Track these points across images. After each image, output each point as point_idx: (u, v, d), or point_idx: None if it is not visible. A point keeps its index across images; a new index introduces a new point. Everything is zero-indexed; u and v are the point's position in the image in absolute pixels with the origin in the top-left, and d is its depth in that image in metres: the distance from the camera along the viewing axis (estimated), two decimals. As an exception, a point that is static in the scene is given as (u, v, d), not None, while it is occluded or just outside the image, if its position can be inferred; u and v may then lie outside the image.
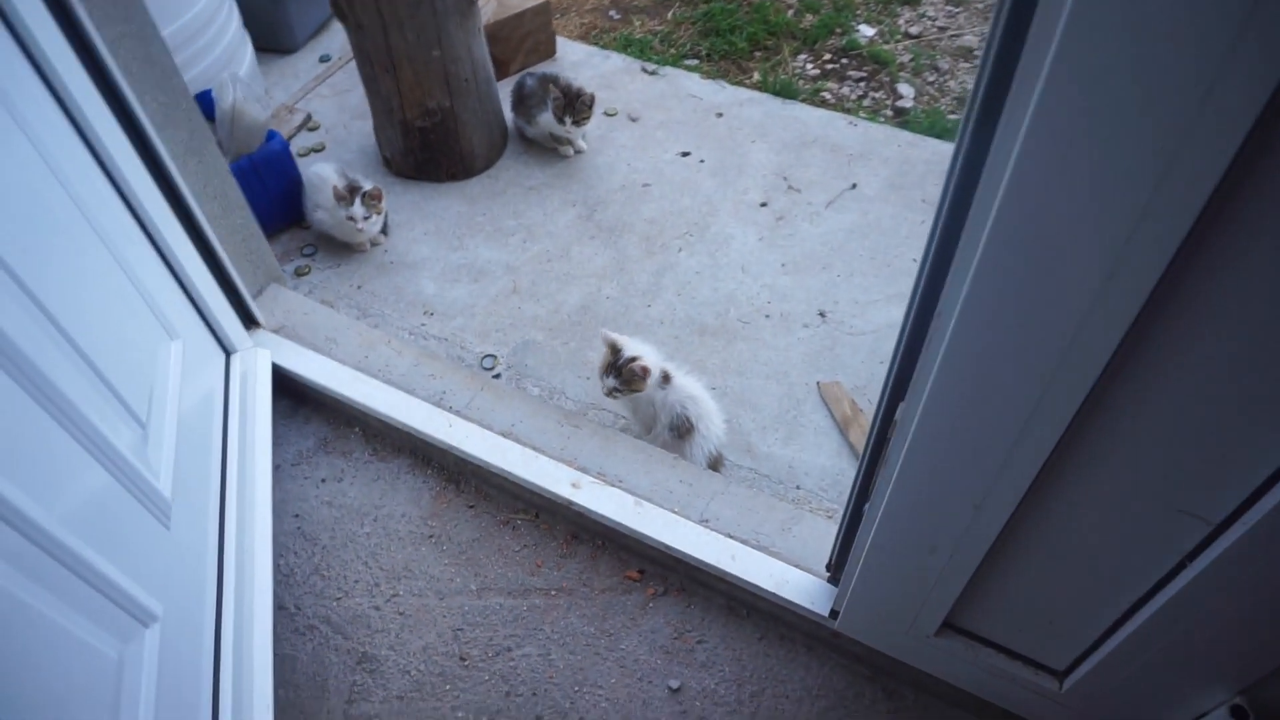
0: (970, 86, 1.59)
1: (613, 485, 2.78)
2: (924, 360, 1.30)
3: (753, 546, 2.53)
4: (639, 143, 4.46)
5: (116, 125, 2.31)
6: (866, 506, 1.71)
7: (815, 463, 3.18)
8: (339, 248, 4.09)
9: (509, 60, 4.71)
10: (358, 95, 4.52)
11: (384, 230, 4.16)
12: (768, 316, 3.74)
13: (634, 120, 4.67)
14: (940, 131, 4.34)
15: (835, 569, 2.30)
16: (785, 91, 4.69)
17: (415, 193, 4.33)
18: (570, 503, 2.72)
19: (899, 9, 5.32)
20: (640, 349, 2.94)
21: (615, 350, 2.84)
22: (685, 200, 4.19)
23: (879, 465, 1.73)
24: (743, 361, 3.39)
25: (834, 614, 2.09)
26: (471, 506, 2.95)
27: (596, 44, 5.09)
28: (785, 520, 2.61)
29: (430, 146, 4.24)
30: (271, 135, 4.00)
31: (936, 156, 4.12)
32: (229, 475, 2.66)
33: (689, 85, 4.78)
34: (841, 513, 1.91)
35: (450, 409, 3.03)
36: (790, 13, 5.16)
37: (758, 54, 4.93)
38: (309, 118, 4.71)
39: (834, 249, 4.03)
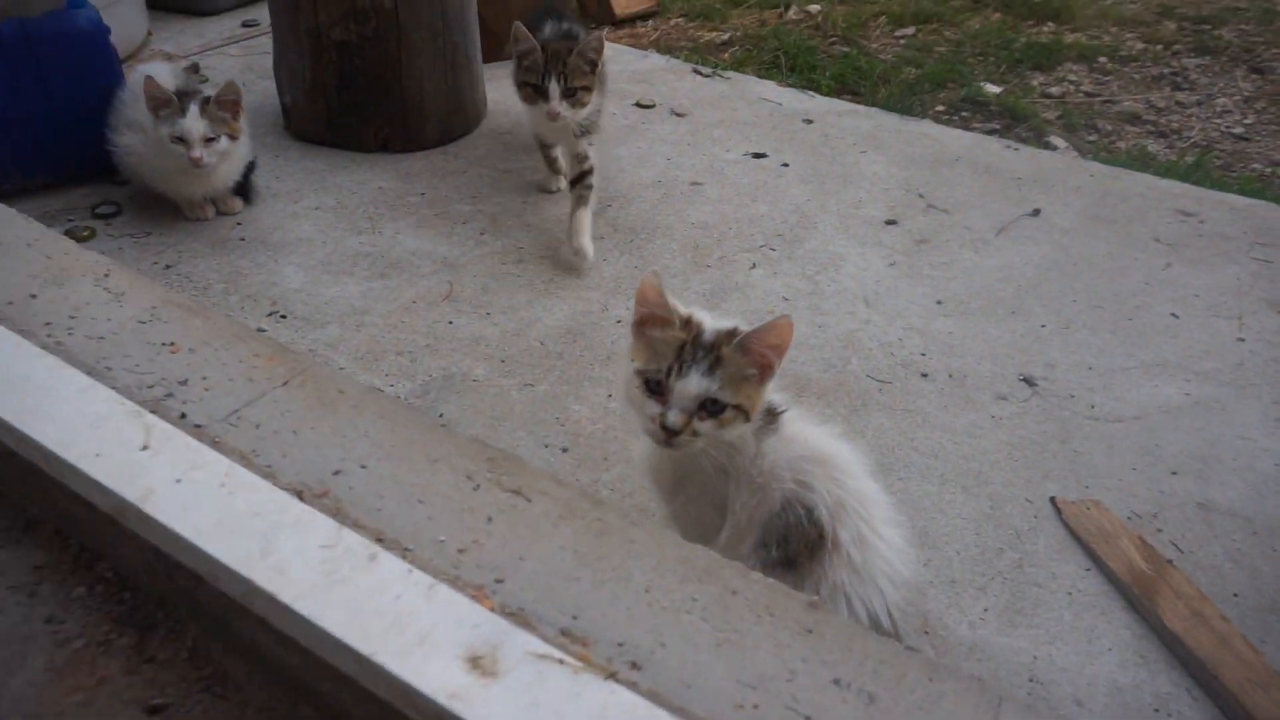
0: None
1: (619, 680, 0.81)
2: None
3: None
4: (687, 138, 2.98)
5: None
6: None
7: (1084, 672, 1.36)
8: (160, 210, 2.34)
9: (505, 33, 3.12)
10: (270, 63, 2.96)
11: (243, 193, 2.36)
12: (925, 375, 1.96)
13: (679, 115, 3.11)
14: (1163, 170, 2.92)
15: None
16: (901, 108, 3.25)
17: (320, 160, 2.65)
18: None
19: (1027, 72, 4.05)
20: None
21: (690, 326, 1.26)
22: (760, 206, 2.61)
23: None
24: (888, 446, 1.94)
25: None
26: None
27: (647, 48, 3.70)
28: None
29: (352, 81, 2.57)
30: (78, 3, 2.29)
31: (1156, 192, 2.85)
32: None
33: (760, 89, 3.34)
34: None
35: (186, 422, 1.10)
36: (885, 63, 3.89)
37: (845, 95, 3.56)
38: (196, 68, 3.08)
39: (1023, 288, 2.36)
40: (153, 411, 1.18)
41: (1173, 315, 2.28)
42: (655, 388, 1.23)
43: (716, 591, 1.04)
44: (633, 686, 0.90)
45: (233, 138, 2.27)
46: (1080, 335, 2.22)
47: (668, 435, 1.21)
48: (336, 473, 1.14)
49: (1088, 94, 4.04)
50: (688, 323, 1.26)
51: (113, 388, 1.21)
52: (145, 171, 2.36)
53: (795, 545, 1.22)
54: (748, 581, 1.05)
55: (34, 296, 1.42)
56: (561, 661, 0.91)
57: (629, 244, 2.45)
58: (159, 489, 1.06)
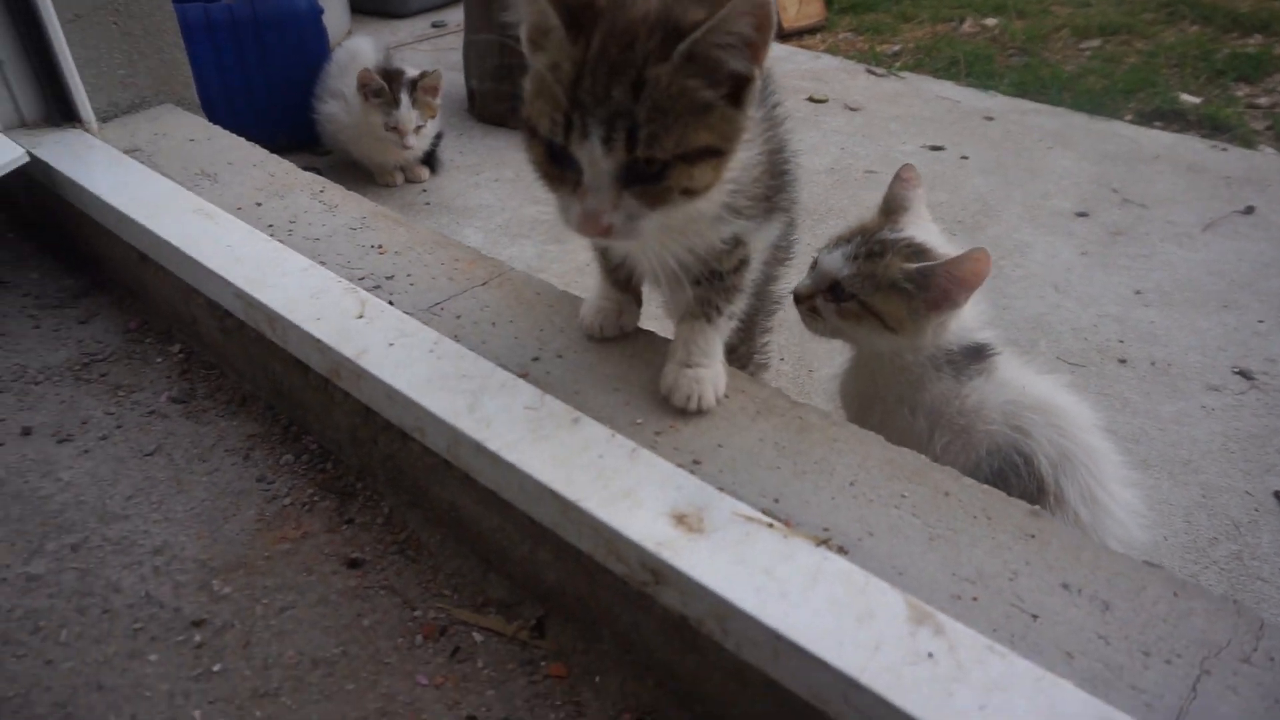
0: None
1: (830, 548, 0.77)
2: None
3: None
4: (861, 130, 2.94)
5: None
6: None
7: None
8: (354, 177, 2.50)
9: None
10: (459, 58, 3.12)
11: (430, 163, 2.48)
12: (1124, 362, 1.81)
13: (853, 109, 3.05)
14: None
15: None
16: (1090, 109, 3.07)
17: (502, 139, 2.75)
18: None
19: (1231, 83, 3.75)
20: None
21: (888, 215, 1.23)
22: (939, 195, 2.51)
23: None
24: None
25: None
26: (387, 588, 0.97)
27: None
28: None
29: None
30: None
31: None
32: None
33: (937, 88, 3.24)
34: None
35: (394, 308, 1.14)
36: (1069, 73, 3.71)
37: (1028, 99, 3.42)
38: (389, 55, 3.28)
39: (1236, 283, 2.14)
40: (367, 290, 1.23)
41: None
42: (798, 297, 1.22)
43: (927, 492, 0.97)
44: (844, 556, 0.85)
45: (433, 117, 2.40)
46: (1306, 332, 2.01)
47: (798, 303, 1.24)
48: (535, 359, 1.15)
49: (1301, 103, 3.72)
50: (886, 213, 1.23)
51: (330, 270, 1.27)
52: (344, 138, 2.52)
53: (1015, 494, 1.12)
54: (961, 485, 0.98)
55: (259, 204, 1.52)
56: (771, 525, 0.87)
57: (801, 224, 2.41)
58: (373, 349, 1.09)
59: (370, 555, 1.11)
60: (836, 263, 1.16)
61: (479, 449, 0.96)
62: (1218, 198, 2.56)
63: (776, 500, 0.94)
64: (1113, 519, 1.11)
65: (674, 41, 0.76)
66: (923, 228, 1.21)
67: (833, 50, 4.03)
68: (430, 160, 2.61)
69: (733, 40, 0.77)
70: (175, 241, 1.30)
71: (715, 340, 1.07)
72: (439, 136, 2.61)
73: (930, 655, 0.75)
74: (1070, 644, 0.81)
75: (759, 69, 0.81)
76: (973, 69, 3.74)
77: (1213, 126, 3.45)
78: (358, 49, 2.52)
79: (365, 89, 2.31)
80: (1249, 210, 2.49)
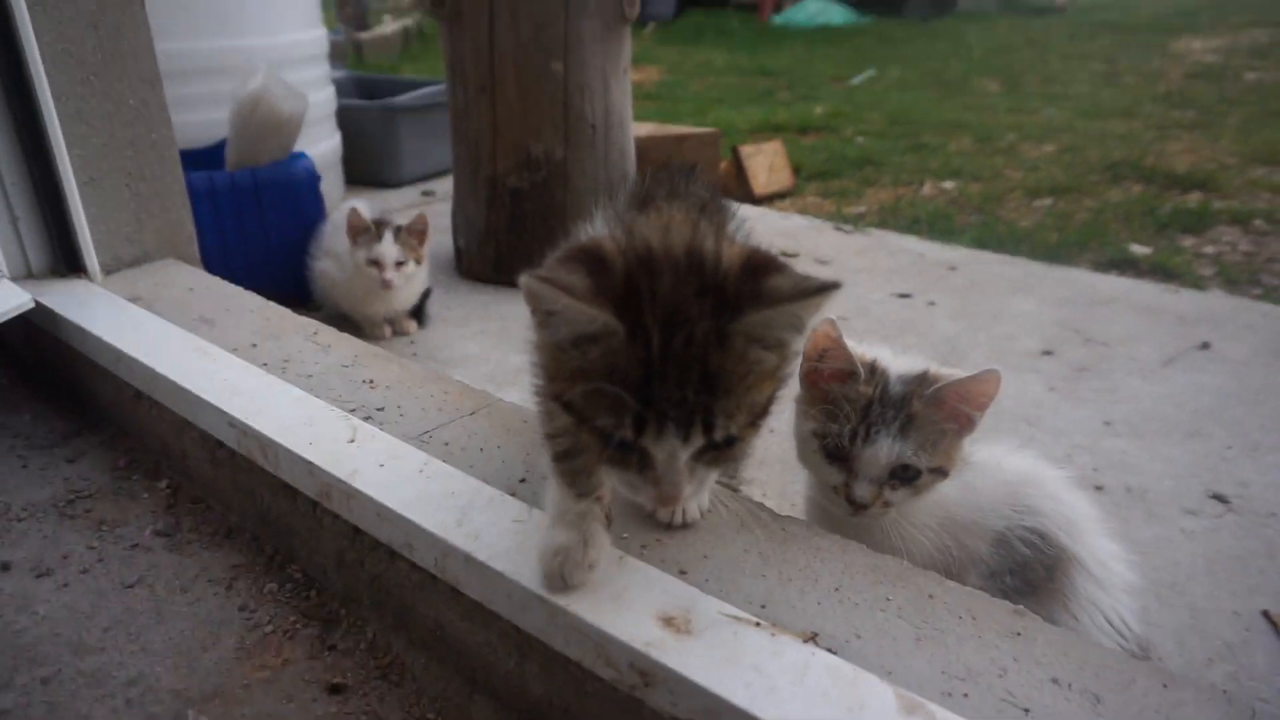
0: None
1: (819, 645, 0.81)
2: None
3: None
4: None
5: None
6: None
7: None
8: (345, 330, 2.55)
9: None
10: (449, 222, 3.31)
11: (418, 317, 2.59)
12: (1100, 489, 1.86)
13: (823, 263, 3.24)
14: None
15: None
16: (1051, 258, 3.29)
17: (488, 295, 2.89)
18: None
19: (1177, 234, 4.04)
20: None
21: (871, 372, 1.11)
22: (910, 338, 2.67)
23: None
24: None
25: None
26: (369, 713, 0.97)
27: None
28: None
29: (522, 225, 2.83)
30: (298, 156, 2.68)
31: None
32: None
33: (901, 242, 3.46)
34: None
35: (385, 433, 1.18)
36: (1025, 229, 4.01)
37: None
38: (384, 214, 3.47)
39: (1201, 413, 2.26)
40: (358, 419, 1.26)
41: (1382, 441, 2.10)
42: (837, 453, 1.07)
43: (911, 594, 0.98)
44: (833, 654, 0.85)
45: (418, 262, 2.52)
46: (1273, 458, 2.07)
47: (855, 509, 1.07)
48: (522, 480, 1.17)
49: (1246, 253, 3.95)
50: (873, 372, 1.08)
51: (323, 400, 1.31)
52: (335, 294, 2.62)
53: (1035, 571, 1.11)
54: (944, 587, 1.00)
55: (254, 345, 1.57)
56: (758, 624, 0.88)
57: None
58: (364, 470, 1.12)
59: (353, 680, 1.08)
60: (892, 449, 1.04)
61: (467, 560, 0.97)
62: (1174, 335, 2.68)
63: (763, 606, 0.95)
64: (1114, 571, 1.11)
65: (721, 306, 0.73)
66: (885, 353, 1.16)
67: (802, 211, 4.28)
68: (418, 314, 2.70)
69: (793, 322, 0.76)
70: (173, 376, 1.35)
71: None
72: (427, 293, 2.72)
73: (923, 745, 0.74)
74: (1065, 738, 0.80)
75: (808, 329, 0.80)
76: (934, 226, 3.98)
77: (1163, 273, 3.65)
78: (354, 208, 2.67)
79: (352, 228, 2.43)
80: (1205, 346, 2.60)
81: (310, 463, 1.13)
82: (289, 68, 2.80)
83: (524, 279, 0.72)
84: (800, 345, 0.84)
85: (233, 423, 1.24)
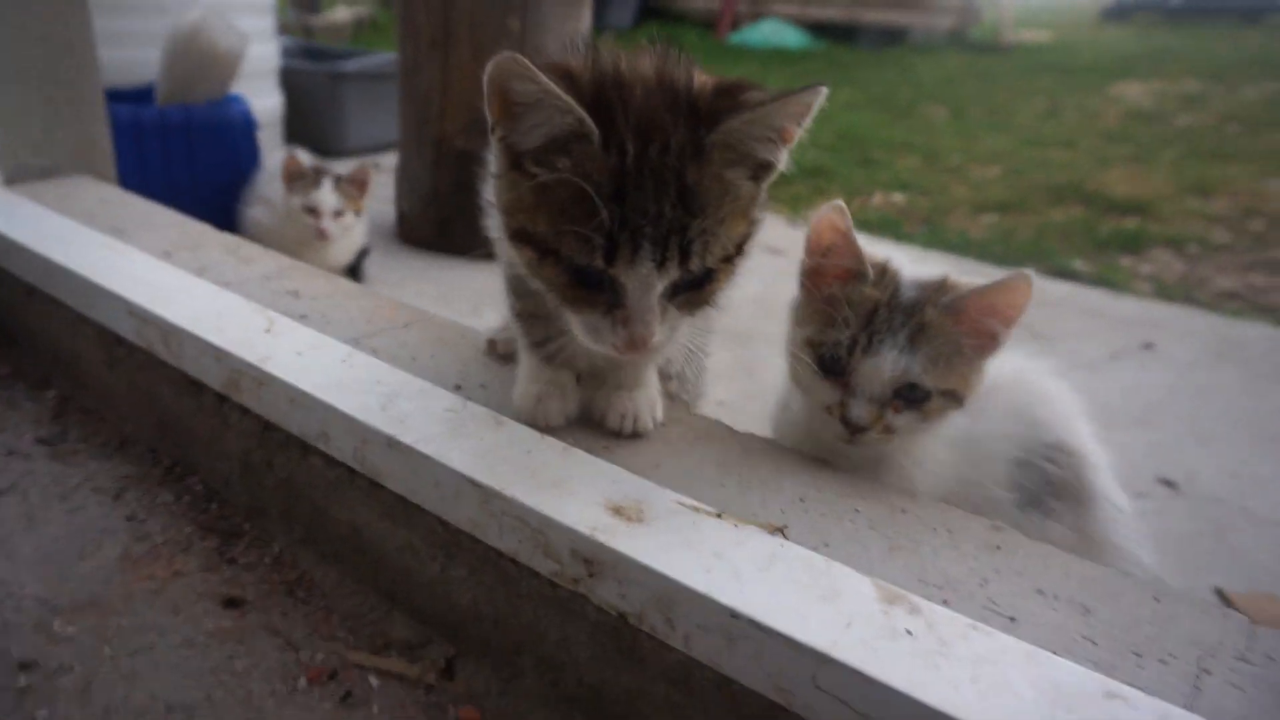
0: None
1: (786, 537, 0.71)
2: None
3: None
4: (784, 269, 2.94)
5: None
6: None
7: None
8: None
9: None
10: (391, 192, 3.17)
11: (354, 277, 2.45)
12: None
13: (775, 252, 3.16)
14: None
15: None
16: (997, 264, 3.33)
17: (427, 260, 2.76)
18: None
19: (1116, 253, 4.13)
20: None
21: (885, 279, 0.93)
22: None
23: None
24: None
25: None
26: (268, 629, 0.85)
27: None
28: None
29: (469, 188, 2.68)
30: (234, 98, 2.53)
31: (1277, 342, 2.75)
32: None
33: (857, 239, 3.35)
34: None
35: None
36: (971, 240, 4.06)
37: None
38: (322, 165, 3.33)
39: (1149, 406, 2.27)
40: (277, 313, 1.13)
41: (1322, 437, 2.11)
42: (833, 365, 0.90)
43: (882, 509, 0.90)
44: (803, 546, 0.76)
45: (357, 214, 2.38)
46: (1220, 448, 2.07)
47: (851, 432, 0.90)
48: (458, 387, 1.06)
49: (1181, 273, 4.04)
50: (883, 274, 0.93)
51: (238, 296, 1.18)
52: (268, 242, 2.46)
53: (1068, 488, 1.00)
54: (916, 502, 0.92)
55: (168, 254, 1.43)
56: (719, 516, 0.78)
57: (728, 346, 2.43)
58: (278, 356, 0.99)
59: (252, 595, 0.95)
60: (897, 362, 0.88)
61: (391, 444, 0.85)
62: (1119, 335, 2.69)
63: (720, 514, 0.85)
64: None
65: (696, 121, 0.68)
66: (903, 258, 1.00)
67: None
68: (355, 274, 2.56)
69: (770, 134, 0.70)
70: (71, 265, 1.20)
71: (648, 365, 1.00)
72: (364, 252, 2.58)
73: (909, 632, 0.66)
74: (1055, 645, 0.72)
75: (787, 153, 0.74)
76: (884, 230, 3.98)
77: (1104, 284, 3.70)
78: (292, 154, 2.52)
79: (289, 173, 2.28)
80: (1148, 346, 2.62)
81: (218, 348, 1.00)
82: (232, 15, 2.65)
83: (496, 58, 0.67)
84: (780, 165, 0.74)
85: (133, 310, 1.10)
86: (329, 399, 0.90)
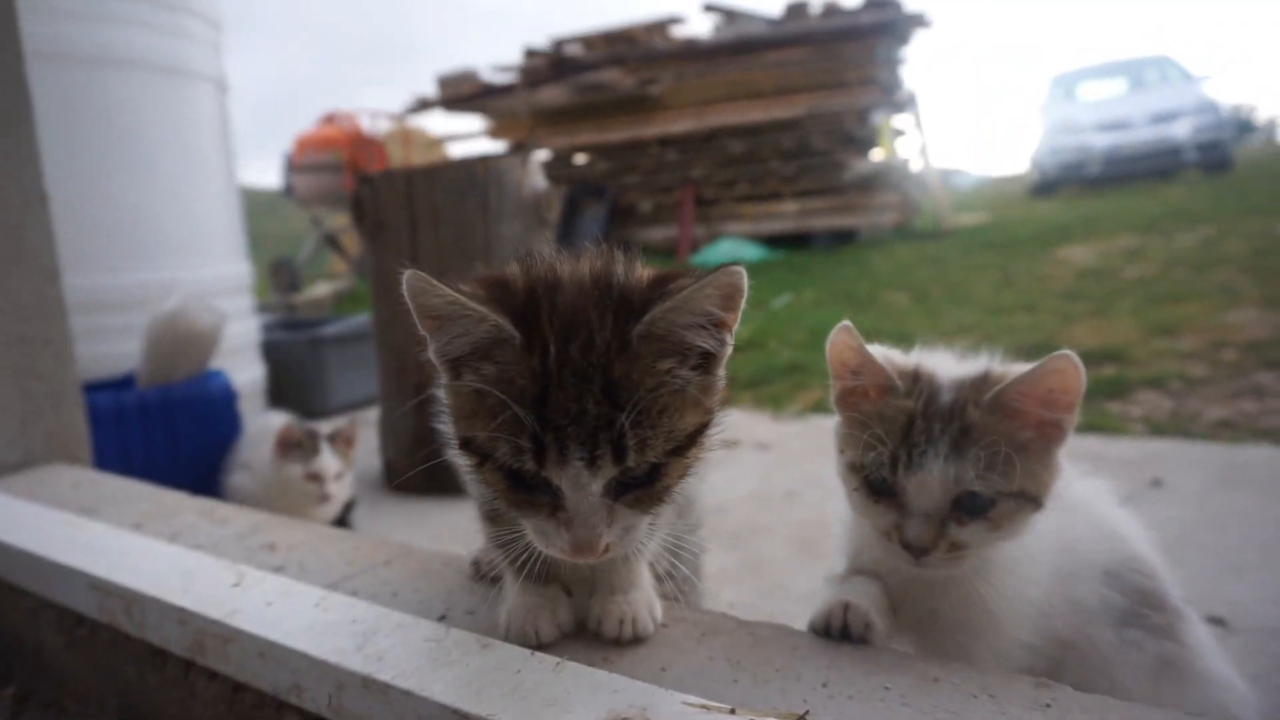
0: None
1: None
2: None
3: None
4: (774, 462, 3.22)
5: None
6: None
7: None
8: None
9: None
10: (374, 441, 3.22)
11: (343, 524, 2.42)
12: None
13: (764, 447, 3.23)
14: None
15: None
16: None
17: (416, 504, 2.76)
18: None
19: (1102, 400, 4.21)
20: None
21: (914, 381, 0.89)
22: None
23: None
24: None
25: None
26: None
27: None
28: None
29: (451, 426, 2.72)
30: (214, 373, 2.60)
31: None
32: None
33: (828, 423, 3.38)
34: None
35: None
36: None
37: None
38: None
39: (1171, 543, 2.16)
40: (249, 566, 1.08)
41: (1359, 551, 2.02)
42: (880, 486, 0.86)
43: (912, 680, 0.82)
44: (832, 732, 0.68)
45: (349, 469, 2.38)
46: (1259, 576, 1.97)
47: (914, 554, 0.84)
48: (442, 617, 1.00)
49: (1171, 410, 4.05)
50: (915, 382, 0.88)
51: (208, 554, 1.13)
52: (250, 506, 2.43)
53: (1154, 605, 0.96)
54: (948, 669, 0.84)
55: (139, 525, 1.39)
56: (733, 712, 0.70)
57: (731, 545, 2.36)
58: (247, 609, 0.93)
59: None
60: (942, 473, 0.82)
61: (366, 684, 0.78)
62: (1124, 477, 2.62)
63: (734, 710, 0.77)
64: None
65: (628, 314, 0.68)
66: (940, 359, 0.96)
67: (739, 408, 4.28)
68: (342, 524, 2.50)
69: (700, 320, 0.70)
70: (33, 548, 1.15)
71: (639, 566, 0.95)
72: (351, 504, 2.55)
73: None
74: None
75: (730, 339, 0.74)
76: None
77: (1097, 431, 3.68)
78: (270, 421, 2.54)
79: (285, 444, 2.28)
80: (1157, 483, 2.56)
81: (182, 610, 0.94)
82: (210, 297, 2.77)
83: (405, 276, 0.68)
84: (725, 352, 0.75)
85: (95, 584, 1.05)
86: (300, 646, 0.84)
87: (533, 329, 0.67)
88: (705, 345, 0.71)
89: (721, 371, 0.77)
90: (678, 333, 0.69)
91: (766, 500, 2.66)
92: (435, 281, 0.67)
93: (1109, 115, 11.49)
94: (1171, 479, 2.57)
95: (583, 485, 0.67)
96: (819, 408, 4.21)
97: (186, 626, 0.94)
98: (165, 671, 0.99)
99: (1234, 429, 3.45)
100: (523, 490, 0.69)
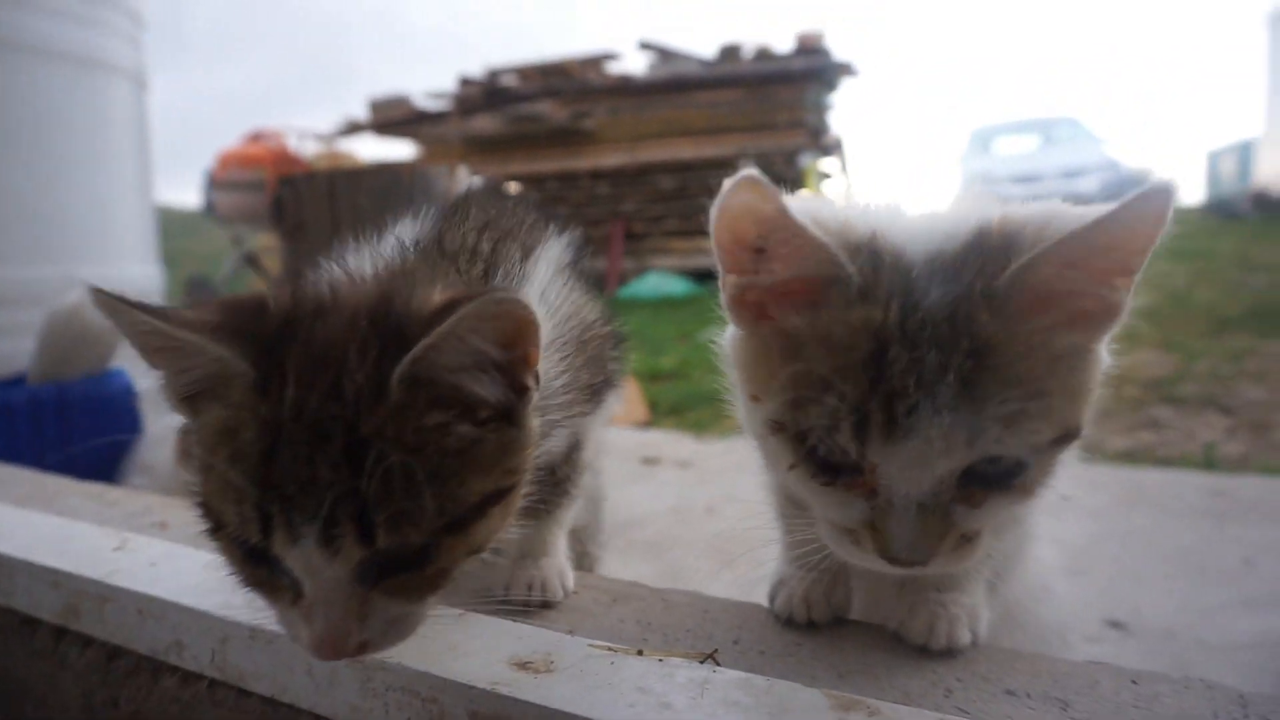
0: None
1: (717, 661, 0.71)
2: None
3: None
4: (695, 479, 3.19)
5: None
6: None
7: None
8: None
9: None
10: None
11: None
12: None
13: (684, 465, 3.22)
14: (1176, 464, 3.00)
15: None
16: None
17: None
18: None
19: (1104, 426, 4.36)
20: None
21: (873, 262, 0.56)
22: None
23: None
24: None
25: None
26: None
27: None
28: None
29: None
30: (115, 373, 2.48)
31: (1179, 482, 2.87)
32: None
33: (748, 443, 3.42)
34: None
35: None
36: None
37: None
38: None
39: (1076, 553, 2.39)
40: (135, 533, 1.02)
41: (1245, 561, 2.12)
42: (836, 463, 0.57)
43: (824, 637, 0.81)
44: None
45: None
46: (1157, 584, 2.05)
47: (904, 566, 0.58)
48: (342, 586, 0.95)
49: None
50: (876, 263, 0.55)
51: (94, 525, 1.06)
52: (151, 513, 2.31)
53: None
54: (860, 627, 0.83)
55: (19, 507, 1.30)
56: (640, 653, 0.68)
57: (647, 555, 2.34)
58: (127, 569, 0.87)
59: None
60: (949, 438, 0.53)
61: (254, 636, 0.73)
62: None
63: (641, 651, 0.75)
64: None
65: (394, 352, 0.53)
66: (895, 214, 0.63)
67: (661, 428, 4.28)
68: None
69: (477, 360, 0.55)
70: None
71: (557, 532, 0.93)
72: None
73: (871, 734, 0.56)
74: (1039, 743, 0.63)
75: (531, 382, 0.59)
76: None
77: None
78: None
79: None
80: (1065, 498, 2.64)
81: (56, 571, 0.87)
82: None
83: (94, 294, 0.57)
84: (525, 399, 0.59)
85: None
86: (185, 601, 0.78)
87: (273, 366, 0.54)
88: (486, 394, 0.56)
89: (531, 423, 0.61)
90: (447, 376, 0.55)
91: (686, 514, 2.66)
92: (132, 304, 0.55)
93: (1022, 169, 12.05)
94: (1076, 495, 2.66)
95: (317, 570, 0.53)
96: (742, 431, 4.24)
97: (60, 589, 0.87)
98: (33, 642, 0.91)
99: (1133, 458, 3.60)
100: (261, 567, 0.56)
